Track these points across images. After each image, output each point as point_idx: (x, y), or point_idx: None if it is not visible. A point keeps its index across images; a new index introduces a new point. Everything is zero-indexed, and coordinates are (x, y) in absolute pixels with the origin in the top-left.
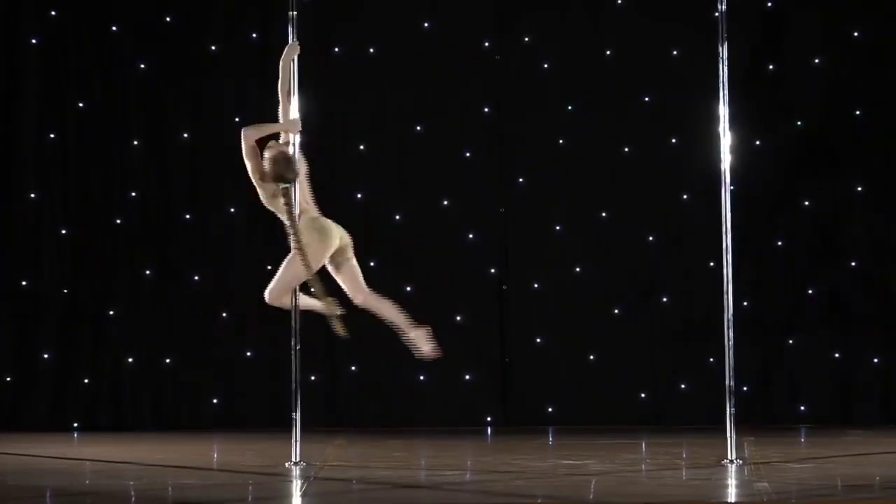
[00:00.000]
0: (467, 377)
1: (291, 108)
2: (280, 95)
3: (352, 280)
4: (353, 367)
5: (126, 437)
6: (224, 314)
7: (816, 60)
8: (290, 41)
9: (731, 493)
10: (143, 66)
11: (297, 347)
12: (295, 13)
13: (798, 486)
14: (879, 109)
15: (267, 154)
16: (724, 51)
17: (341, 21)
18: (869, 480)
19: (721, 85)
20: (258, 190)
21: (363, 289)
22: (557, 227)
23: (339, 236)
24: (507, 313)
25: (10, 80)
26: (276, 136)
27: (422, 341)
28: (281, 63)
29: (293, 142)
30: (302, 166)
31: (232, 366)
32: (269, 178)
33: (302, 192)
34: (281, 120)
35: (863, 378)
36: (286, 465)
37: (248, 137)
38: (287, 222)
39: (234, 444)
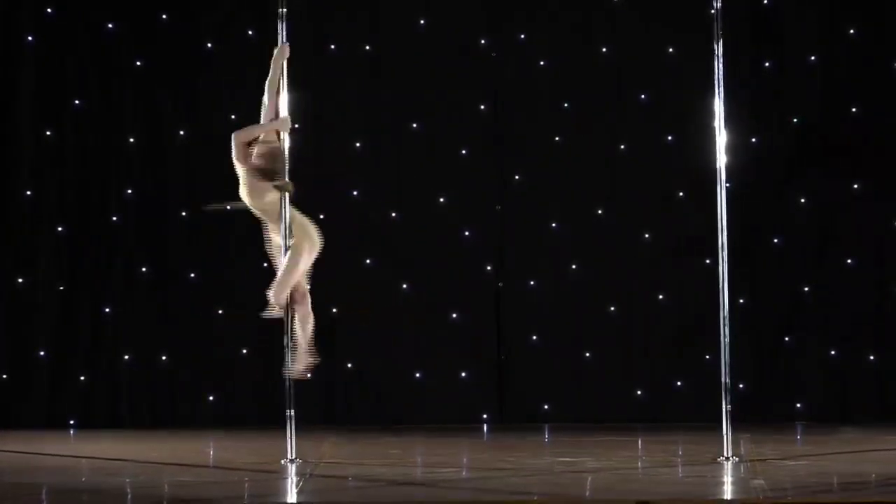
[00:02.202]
0: (463, 375)
1: (281, 107)
2: (267, 95)
3: (302, 281)
4: (350, 365)
5: (122, 435)
6: (220, 312)
7: (812, 58)
8: (281, 41)
9: (727, 490)
10: (139, 63)
11: (292, 345)
12: (285, 10)
13: (794, 484)
14: (876, 106)
15: (258, 150)
16: (719, 48)
17: (336, 19)
18: (865, 477)
19: (716, 82)
20: (245, 189)
21: (307, 291)
22: (553, 225)
23: (318, 240)
24: (503, 311)
25: (7, 77)
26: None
27: (301, 368)
28: (272, 63)
29: (284, 139)
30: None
31: (228, 364)
32: (261, 174)
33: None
34: (263, 119)
35: (859, 376)
36: (282, 462)
37: (239, 142)
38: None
39: (229, 442)
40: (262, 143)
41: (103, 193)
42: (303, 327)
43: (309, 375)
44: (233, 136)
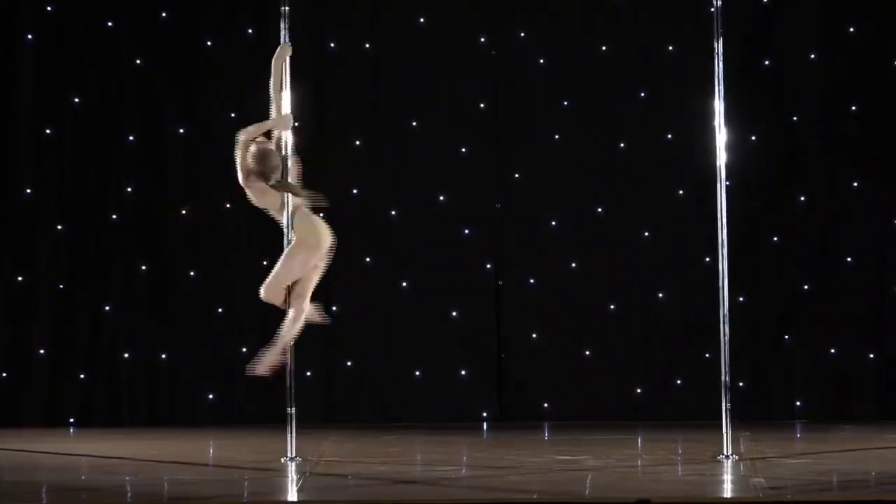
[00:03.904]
0: (463, 372)
1: (283, 105)
2: (272, 94)
3: (306, 282)
4: (349, 363)
5: (122, 433)
6: (220, 310)
7: (812, 56)
8: (283, 40)
9: (727, 488)
10: (138, 61)
11: (292, 343)
12: (287, 8)
13: (793, 482)
14: (876, 105)
15: (251, 149)
16: (719, 46)
17: (337, 16)
18: (865, 476)
19: (716, 80)
20: (247, 191)
21: (307, 295)
22: (553, 223)
23: (329, 242)
24: (502, 309)
25: (6, 75)
26: (266, 135)
27: (267, 364)
28: (273, 63)
29: (285, 138)
30: (294, 166)
31: (228, 362)
32: (255, 175)
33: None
34: (272, 118)
35: (858, 374)
36: (282, 460)
37: (243, 140)
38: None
39: (229, 440)
40: (255, 142)
41: (103, 192)
42: (289, 327)
43: (269, 376)
44: (239, 133)
